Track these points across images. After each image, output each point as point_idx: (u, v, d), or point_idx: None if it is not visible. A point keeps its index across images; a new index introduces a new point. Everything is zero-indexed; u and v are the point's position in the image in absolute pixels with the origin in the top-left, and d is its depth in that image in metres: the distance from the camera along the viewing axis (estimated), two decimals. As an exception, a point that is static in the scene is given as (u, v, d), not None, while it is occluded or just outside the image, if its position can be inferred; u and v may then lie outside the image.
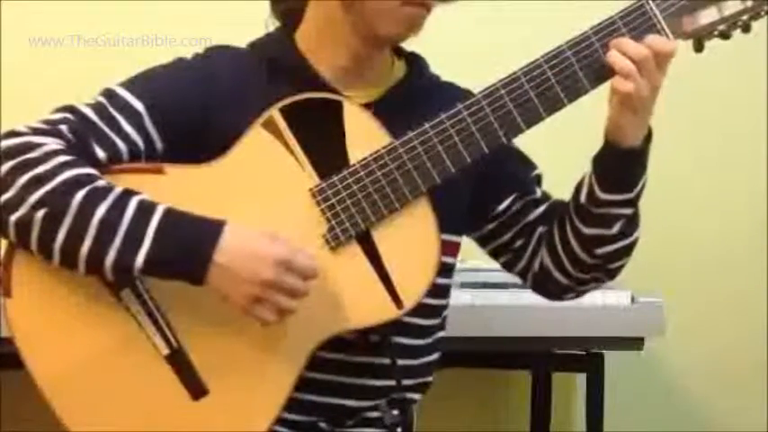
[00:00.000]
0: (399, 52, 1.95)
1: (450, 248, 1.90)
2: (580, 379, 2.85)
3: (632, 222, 1.89)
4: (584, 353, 2.77)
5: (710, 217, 3.17)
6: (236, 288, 1.70)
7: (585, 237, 1.89)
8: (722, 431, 3.17)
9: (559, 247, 1.93)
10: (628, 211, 1.87)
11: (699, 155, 3.15)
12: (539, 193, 1.99)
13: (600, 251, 1.90)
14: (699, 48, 1.80)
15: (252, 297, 1.70)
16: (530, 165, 2.02)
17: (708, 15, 1.78)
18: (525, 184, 1.99)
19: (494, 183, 1.95)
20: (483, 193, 1.95)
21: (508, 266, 2.03)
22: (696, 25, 1.78)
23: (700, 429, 3.15)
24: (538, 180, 2.01)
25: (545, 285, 1.99)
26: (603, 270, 1.93)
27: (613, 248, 1.90)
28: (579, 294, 2.01)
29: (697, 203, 3.16)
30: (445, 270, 1.89)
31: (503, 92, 1.77)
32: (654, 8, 1.77)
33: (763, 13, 1.78)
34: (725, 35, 1.79)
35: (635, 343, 2.65)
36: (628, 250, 1.92)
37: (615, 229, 1.88)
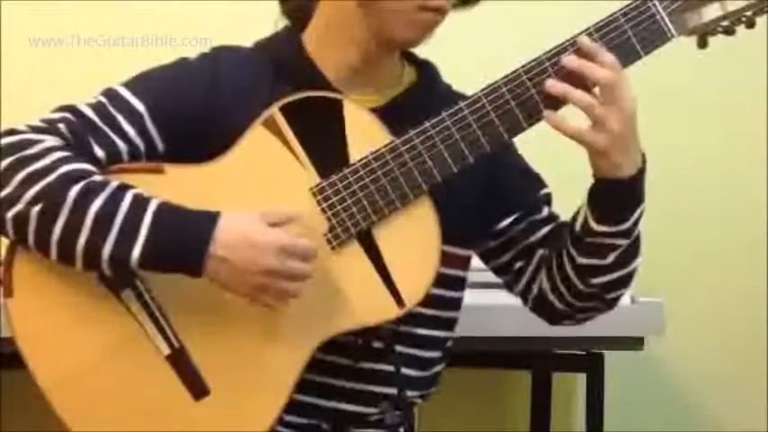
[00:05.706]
0: (411, 59, 1.93)
1: (458, 261, 1.88)
2: (580, 379, 2.85)
3: (628, 253, 1.84)
4: (584, 353, 2.77)
5: (710, 217, 3.16)
6: (237, 279, 1.70)
7: (580, 266, 1.85)
8: (722, 431, 3.17)
9: (556, 274, 1.89)
10: (622, 242, 1.82)
11: (699, 155, 3.15)
12: (545, 212, 1.95)
13: (595, 281, 1.85)
14: (703, 44, 1.80)
15: (256, 286, 1.70)
16: (539, 183, 1.98)
17: (712, 11, 1.77)
18: (531, 202, 1.95)
19: (499, 198, 1.92)
20: (488, 208, 1.92)
21: (509, 287, 1.99)
22: (700, 21, 1.78)
23: (700, 429, 3.15)
24: (547, 199, 1.96)
25: (543, 309, 1.95)
26: (600, 299, 1.89)
27: (608, 279, 1.85)
28: (578, 322, 1.96)
29: (697, 203, 3.16)
30: (455, 283, 1.87)
31: (504, 90, 1.77)
32: (657, 5, 1.76)
33: (766, 8, 1.77)
34: (729, 31, 1.78)
35: (635, 343, 2.65)
36: (625, 281, 1.87)
37: (609, 259, 1.83)
